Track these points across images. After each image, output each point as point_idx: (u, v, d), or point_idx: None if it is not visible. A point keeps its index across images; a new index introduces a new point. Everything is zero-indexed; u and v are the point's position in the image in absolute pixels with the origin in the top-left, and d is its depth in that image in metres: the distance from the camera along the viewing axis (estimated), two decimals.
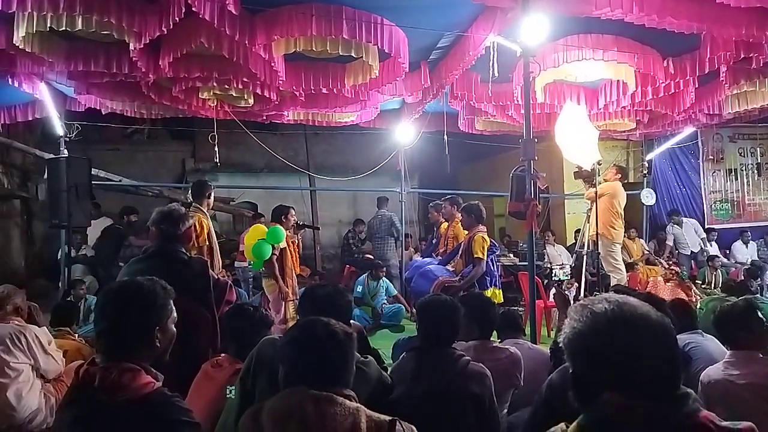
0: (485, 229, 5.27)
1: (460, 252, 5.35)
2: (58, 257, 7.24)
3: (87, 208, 6.19)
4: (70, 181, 5.84)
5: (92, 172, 6.49)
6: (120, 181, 8.70)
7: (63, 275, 6.47)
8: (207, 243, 4.54)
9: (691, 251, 9.09)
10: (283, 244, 5.36)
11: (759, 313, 2.63)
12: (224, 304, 2.78)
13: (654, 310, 1.15)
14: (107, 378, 1.54)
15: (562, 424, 1.16)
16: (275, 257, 5.29)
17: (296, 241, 5.84)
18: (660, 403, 1.08)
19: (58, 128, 6.46)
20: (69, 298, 5.78)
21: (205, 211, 4.74)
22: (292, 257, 5.59)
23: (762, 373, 2.36)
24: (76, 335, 4.34)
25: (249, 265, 6.29)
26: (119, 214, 8.12)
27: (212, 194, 4.87)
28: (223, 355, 2.51)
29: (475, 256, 5.04)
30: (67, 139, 6.58)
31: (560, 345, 2.68)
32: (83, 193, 5.97)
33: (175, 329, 1.76)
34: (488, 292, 4.99)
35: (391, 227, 8.52)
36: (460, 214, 5.67)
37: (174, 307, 1.75)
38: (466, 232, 5.39)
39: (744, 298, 2.93)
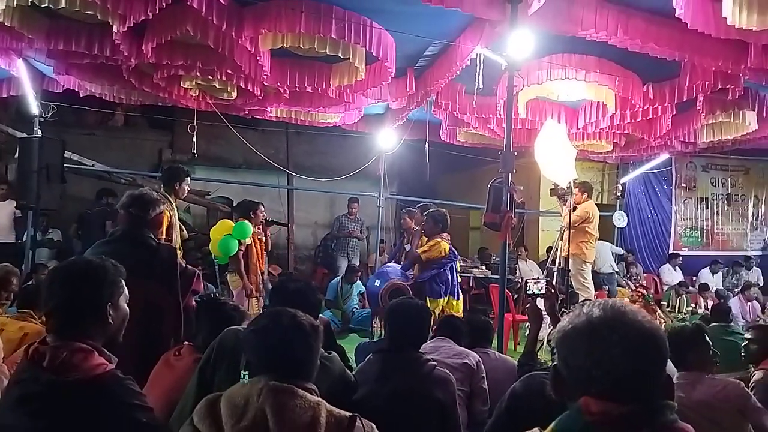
0: (448, 237, 5.22)
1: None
2: (24, 239, 7.06)
3: (57, 191, 6.03)
4: (42, 161, 5.69)
5: (65, 155, 6.35)
6: (93, 165, 8.52)
7: (27, 258, 6.30)
8: (165, 237, 4.13)
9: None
10: (248, 240, 5.31)
11: (706, 337, 2.70)
12: (190, 293, 2.72)
13: (647, 319, 1.15)
14: (57, 357, 1.49)
15: (536, 429, 1.15)
16: (241, 253, 5.23)
17: (264, 238, 5.79)
18: (637, 410, 1.07)
19: (34, 108, 6.30)
20: (31, 282, 5.62)
21: (172, 201, 4.45)
22: (257, 253, 5.54)
23: (710, 394, 2.42)
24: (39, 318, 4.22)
25: (215, 259, 6.22)
26: (97, 196, 7.94)
27: (185, 183, 4.60)
28: (185, 344, 2.46)
29: (418, 250, 5.02)
30: (42, 120, 6.42)
31: (531, 359, 2.72)
32: (54, 175, 5.82)
33: (127, 308, 1.71)
34: (441, 302, 4.97)
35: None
36: (424, 219, 5.53)
37: (126, 285, 1.71)
38: (426, 239, 5.28)
39: (695, 322, 3.00)
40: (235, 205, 7.85)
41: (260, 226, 5.71)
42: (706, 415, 2.33)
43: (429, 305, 4.60)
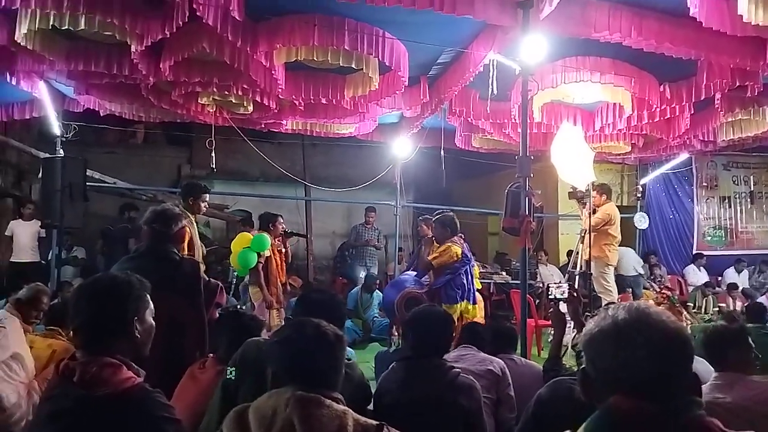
0: (460, 241, 5.17)
1: None
2: (48, 258, 7.19)
3: (80, 209, 6.15)
4: (65, 181, 5.82)
5: (87, 174, 6.47)
6: (114, 183, 8.67)
7: (52, 276, 6.41)
8: (188, 252, 4.15)
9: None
10: (268, 252, 5.34)
11: (749, 338, 2.66)
12: (214, 306, 2.75)
13: (672, 319, 1.17)
14: (87, 372, 1.52)
15: None
16: (260, 265, 5.25)
17: (283, 250, 5.82)
18: (665, 406, 1.10)
19: (56, 128, 6.45)
20: (56, 300, 5.72)
21: (191, 216, 4.45)
22: (277, 266, 5.57)
23: (747, 396, 2.36)
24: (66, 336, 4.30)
25: (235, 272, 6.27)
26: (119, 211, 8.05)
27: (204, 197, 4.60)
28: (210, 356, 2.49)
29: (428, 257, 5.00)
30: (64, 140, 6.57)
31: (556, 364, 2.70)
32: (77, 194, 5.94)
33: (153, 322, 1.74)
34: (458, 307, 4.90)
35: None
36: (433, 226, 5.46)
37: (150, 300, 1.74)
38: (438, 245, 5.23)
39: (740, 323, 2.95)
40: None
41: (280, 238, 5.75)
42: (742, 417, 2.28)
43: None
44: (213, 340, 2.63)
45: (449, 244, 5.02)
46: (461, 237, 5.35)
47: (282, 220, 5.79)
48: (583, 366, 1.20)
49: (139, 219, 7.37)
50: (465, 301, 5.02)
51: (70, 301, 1.72)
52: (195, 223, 4.57)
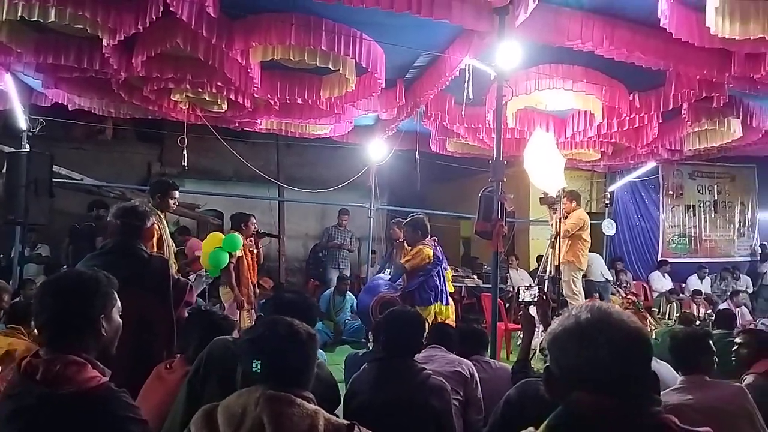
0: (431, 243, 5.20)
1: None
2: (11, 255, 6.98)
3: (46, 206, 5.98)
4: (30, 176, 5.65)
5: (54, 170, 6.31)
6: (82, 180, 8.46)
7: (15, 274, 6.22)
8: (157, 250, 4.11)
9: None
10: (239, 253, 5.28)
11: (711, 342, 2.75)
12: (183, 305, 2.70)
13: (632, 319, 1.21)
14: (51, 370, 1.48)
15: (531, 429, 1.20)
16: (231, 265, 5.20)
17: (255, 250, 5.77)
18: (626, 402, 1.14)
19: (22, 122, 6.27)
20: (18, 298, 5.55)
21: (161, 214, 4.40)
22: (249, 266, 5.51)
23: (713, 397, 2.44)
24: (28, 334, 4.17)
25: (206, 272, 6.19)
26: (88, 208, 7.85)
27: (173, 194, 4.53)
28: (178, 356, 2.44)
29: (401, 260, 5.01)
30: (30, 134, 6.39)
31: (524, 366, 2.73)
32: (42, 190, 5.78)
33: (120, 320, 1.70)
34: (432, 308, 4.93)
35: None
36: (404, 229, 5.50)
37: (118, 297, 1.70)
38: (410, 248, 5.24)
39: (704, 328, 3.06)
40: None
41: (252, 238, 5.69)
42: (714, 418, 2.35)
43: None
44: (181, 339, 2.58)
45: (420, 246, 5.05)
46: (434, 240, 5.37)
47: (254, 221, 5.74)
48: (548, 364, 1.24)
49: (107, 216, 7.22)
50: (438, 302, 5.04)
51: (35, 297, 1.67)
52: (165, 222, 4.49)
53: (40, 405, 1.45)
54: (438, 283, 5.10)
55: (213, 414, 1.42)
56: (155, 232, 4.21)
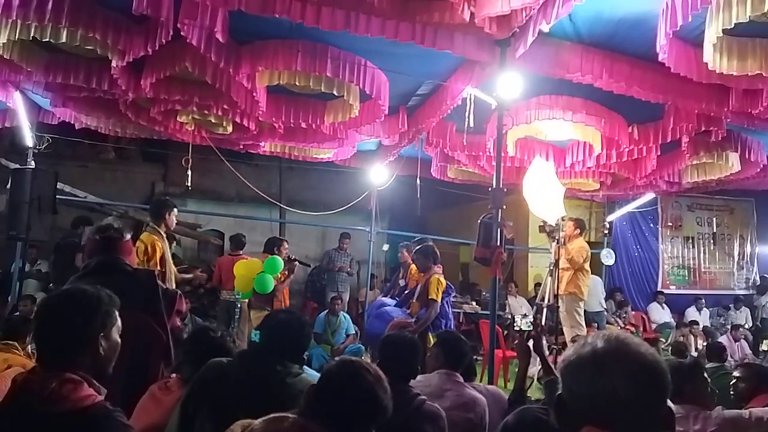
0: (441, 271, 5.26)
1: (416, 294, 5.33)
2: (11, 270, 6.96)
3: (48, 222, 6.00)
4: (34, 193, 5.67)
5: (57, 187, 6.33)
6: (86, 197, 8.50)
7: (14, 289, 6.21)
8: (159, 268, 4.22)
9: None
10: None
11: (704, 373, 2.73)
12: (174, 314, 2.67)
13: (651, 350, 1.16)
14: (46, 388, 1.47)
15: None
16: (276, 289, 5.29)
17: (285, 274, 5.80)
18: None
19: (28, 139, 6.31)
20: (16, 314, 5.52)
21: (162, 232, 4.48)
22: (282, 291, 5.58)
23: (706, 429, 2.41)
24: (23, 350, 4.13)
25: (238, 295, 6.25)
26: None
27: (173, 214, 4.61)
28: (173, 376, 2.41)
29: (430, 297, 5.02)
30: (36, 151, 6.44)
31: (521, 395, 2.70)
32: (45, 207, 5.79)
33: (119, 339, 1.69)
34: None
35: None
36: (414, 256, 5.59)
37: (119, 317, 1.69)
38: (422, 273, 5.34)
39: (694, 358, 3.04)
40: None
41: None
42: None
43: (432, 341, 4.58)
44: (179, 357, 2.55)
45: (436, 275, 5.09)
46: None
47: (287, 246, 5.80)
48: (560, 392, 1.19)
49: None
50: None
51: (35, 313, 1.66)
52: (166, 240, 4.52)
53: (35, 423, 1.44)
54: (448, 310, 5.20)
55: None
56: (158, 250, 4.26)
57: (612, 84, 4.41)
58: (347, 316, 7.61)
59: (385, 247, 8.59)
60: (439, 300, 5.04)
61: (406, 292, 6.17)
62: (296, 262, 6.15)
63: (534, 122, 5.29)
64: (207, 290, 8.14)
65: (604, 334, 1.20)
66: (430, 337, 4.78)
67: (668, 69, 3.94)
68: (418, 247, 5.53)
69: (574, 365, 1.17)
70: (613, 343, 1.15)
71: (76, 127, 6.60)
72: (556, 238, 5.93)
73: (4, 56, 4.43)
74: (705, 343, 7.96)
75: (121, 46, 4.18)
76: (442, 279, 5.12)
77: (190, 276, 5.61)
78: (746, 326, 9.48)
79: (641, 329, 9.15)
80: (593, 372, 1.13)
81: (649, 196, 9.14)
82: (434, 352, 2.64)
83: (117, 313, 1.69)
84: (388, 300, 6.01)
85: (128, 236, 2.93)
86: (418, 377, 2.63)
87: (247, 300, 5.88)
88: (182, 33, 3.90)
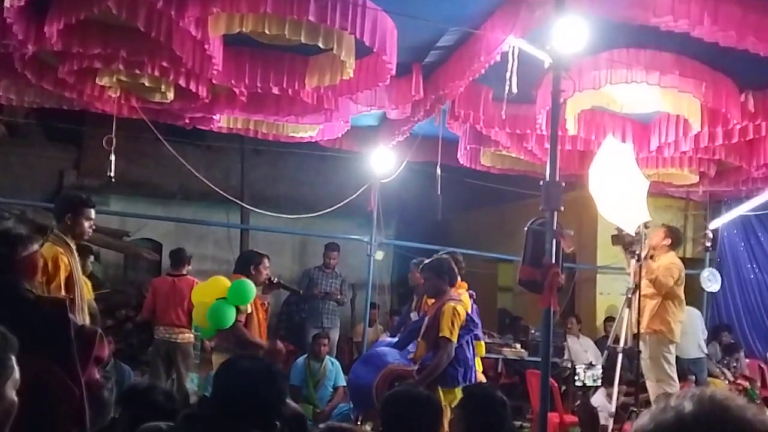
0: (460, 297, 5.23)
1: (422, 330, 5.25)
2: None
3: None
4: None
5: None
6: None
7: None
8: (66, 294, 4.08)
9: None
10: (249, 308, 5.29)
11: None
12: (92, 362, 2.67)
13: (760, 418, 1.16)
14: None
15: None
16: (240, 324, 5.19)
17: (266, 304, 5.76)
18: None
19: None
20: None
21: (70, 243, 4.37)
22: (260, 326, 5.50)
23: None
24: None
25: (196, 332, 6.24)
26: None
27: (88, 214, 4.50)
28: None
29: (441, 335, 4.92)
30: None
31: None
32: None
33: (15, 397, 1.70)
34: (458, 392, 4.79)
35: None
36: (421, 274, 5.51)
37: (16, 365, 1.69)
38: (433, 300, 5.28)
39: None
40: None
41: (262, 288, 5.67)
42: None
43: (443, 398, 4.57)
44: (96, 411, 2.57)
45: (452, 303, 5.02)
46: (471, 294, 5.36)
47: (267, 263, 5.72)
48: None
49: None
50: (468, 383, 4.96)
51: None
52: (76, 254, 4.49)
53: None
54: (469, 355, 5.10)
55: None
56: (63, 267, 4.21)
57: (717, 33, 4.41)
58: (336, 363, 7.64)
59: (380, 255, 8.46)
60: (455, 339, 4.94)
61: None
62: (280, 288, 6.13)
63: (605, 87, 5.30)
64: (137, 325, 8.18)
65: (695, 393, 1.19)
66: (441, 393, 4.75)
67: None
68: (426, 262, 5.48)
69: None
70: (706, 406, 1.15)
71: None
72: (637, 253, 5.92)
73: None
74: None
75: None
76: (459, 308, 5.01)
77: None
78: None
79: (758, 384, 9.12)
80: None
81: None
82: (457, 417, 2.64)
83: (14, 360, 1.70)
84: (388, 340, 6.01)
85: (30, 249, 2.94)
86: None
87: (208, 339, 5.88)
88: None
